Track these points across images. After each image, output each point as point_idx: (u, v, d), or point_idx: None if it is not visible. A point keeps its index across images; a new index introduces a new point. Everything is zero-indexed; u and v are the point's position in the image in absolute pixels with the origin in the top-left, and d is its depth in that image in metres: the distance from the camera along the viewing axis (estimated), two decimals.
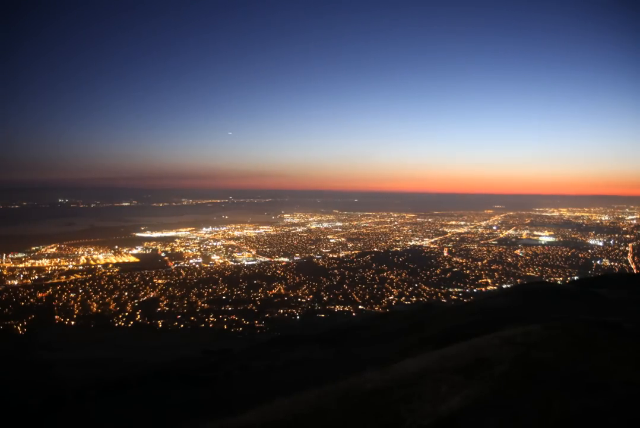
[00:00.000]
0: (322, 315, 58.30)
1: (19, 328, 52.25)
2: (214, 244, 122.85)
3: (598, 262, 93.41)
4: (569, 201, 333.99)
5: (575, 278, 69.02)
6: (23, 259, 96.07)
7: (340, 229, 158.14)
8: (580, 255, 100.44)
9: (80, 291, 69.50)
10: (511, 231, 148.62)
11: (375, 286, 73.64)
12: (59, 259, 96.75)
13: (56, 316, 57.64)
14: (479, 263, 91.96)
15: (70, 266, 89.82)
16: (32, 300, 64.80)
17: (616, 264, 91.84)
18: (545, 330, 7.43)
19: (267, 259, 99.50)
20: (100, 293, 68.77)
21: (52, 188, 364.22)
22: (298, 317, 57.86)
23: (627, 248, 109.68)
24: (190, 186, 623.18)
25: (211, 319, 56.79)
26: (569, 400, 4.44)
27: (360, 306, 62.44)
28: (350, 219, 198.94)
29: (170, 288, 71.69)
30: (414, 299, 66.09)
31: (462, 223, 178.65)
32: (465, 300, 58.65)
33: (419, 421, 4.22)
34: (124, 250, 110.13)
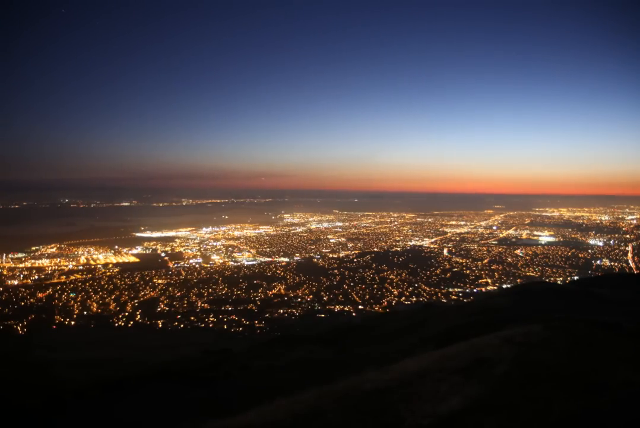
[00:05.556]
0: (322, 315, 58.27)
1: (19, 328, 52.20)
2: (214, 244, 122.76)
3: (598, 262, 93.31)
4: (569, 201, 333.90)
5: (575, 278, 69.06)
6: (23, 259, 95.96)
7: (340, 229, 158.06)
8: (580, 255, 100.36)
9: (81, 291, 69.53)
10: (511, 231, 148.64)
11: (375, 286, 73.58)
12: (59, 259, 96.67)
13: (56, 316, 57.62)
14: (479, 263, 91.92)
15: (70, 266, 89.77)
16: (32, 300, 64.73)
17: (616, 264, 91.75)
18: (545, 330, 7.43)
19: (267, 259, 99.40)
20: (100, 293, 68.71)
21: (52, 188, 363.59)
22: (298, 317, 57.87)
23: (627, 248, 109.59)
24: (190, 186, 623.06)
25: (211, 319, 56.76)
26: (569, 400, 4.43)
27: (360, 306, 62.40)
28: (350, 219, 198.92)
29: (170, 288, 71.66)
30: (414, 299, 66.04)
31: (462, 223, 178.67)
32: (465, 300, 58.67)
33: (419, 421, 4.22)
34: (124, 250, 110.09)
